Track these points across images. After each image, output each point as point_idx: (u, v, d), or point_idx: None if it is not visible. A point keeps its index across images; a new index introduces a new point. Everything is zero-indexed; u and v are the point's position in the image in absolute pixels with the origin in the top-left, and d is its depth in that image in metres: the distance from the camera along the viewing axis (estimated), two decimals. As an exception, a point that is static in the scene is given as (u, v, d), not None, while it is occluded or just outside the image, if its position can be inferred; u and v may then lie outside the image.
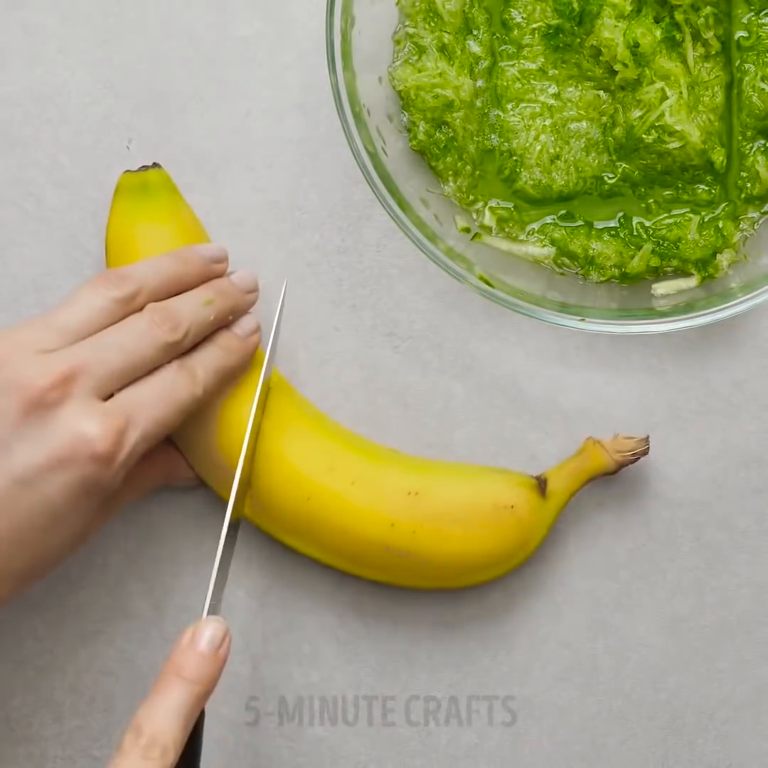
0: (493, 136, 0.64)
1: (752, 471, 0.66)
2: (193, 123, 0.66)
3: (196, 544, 0.65)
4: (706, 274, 0.63)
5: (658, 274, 0.64)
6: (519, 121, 0.64)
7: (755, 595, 0.66)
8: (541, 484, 0.62)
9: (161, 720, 0.52)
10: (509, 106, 0.64)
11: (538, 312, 0.61)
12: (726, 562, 0.66)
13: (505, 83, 0.63)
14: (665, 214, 0.64)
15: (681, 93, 0.62)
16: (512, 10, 0.63)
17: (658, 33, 0.61)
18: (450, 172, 0.64)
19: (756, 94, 0.63)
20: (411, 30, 0.63)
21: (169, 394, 0.57)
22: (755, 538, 0.66)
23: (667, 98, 0.61)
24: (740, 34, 0.63)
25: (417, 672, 0.66)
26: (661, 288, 0.64)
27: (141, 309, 0.58)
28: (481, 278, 0.61)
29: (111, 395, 0.55)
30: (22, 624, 0.65)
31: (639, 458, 0.63)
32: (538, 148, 0.63)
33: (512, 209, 0.64)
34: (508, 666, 0.66)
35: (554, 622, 0.66)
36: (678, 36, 0.62)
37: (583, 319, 0.61)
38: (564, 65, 0.63)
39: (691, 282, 0.64)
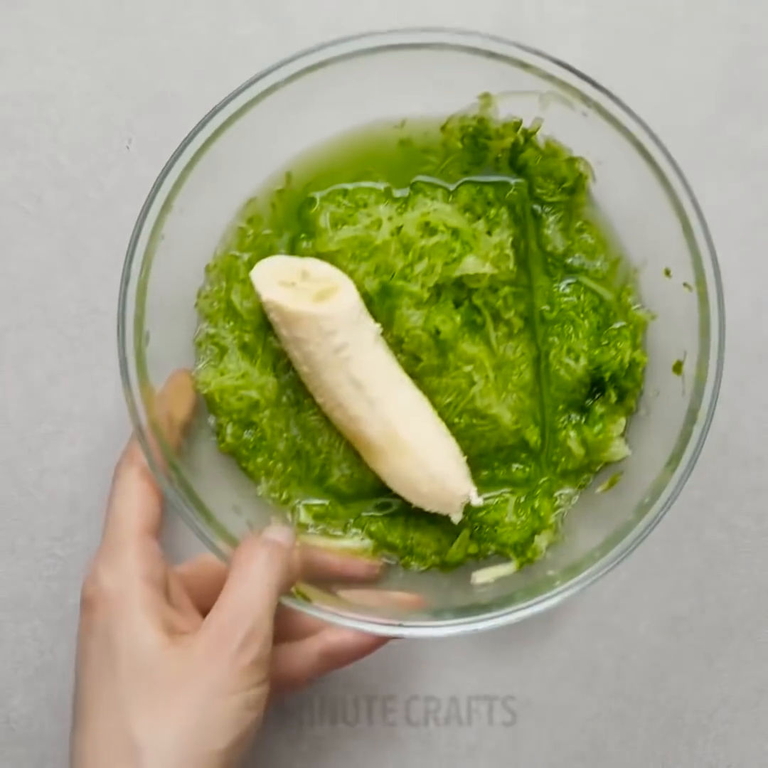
0: (296, 435, 0.62)
1: (752, 471, 0.66)
2: (193, 123, 0.66)
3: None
4: (525, 558, 0.61)
5: (477, 558, 0.62)
6: (319, 421, 0.61)
7: (755, 595, 0.66)
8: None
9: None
10: (307, 403, 0.61)
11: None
12: (726, 562, 0.66)
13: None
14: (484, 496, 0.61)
15: (487, 376, 0.60)
16: None
17: (458, 318, 0.59)
18: (262, 472, 0.62)
19: (562, 368, 0.61)
20: (211, 330, 0.61)
21: None
22: (755, 538, 0.66)
23: (474, 383, 0.59)
24: (544, 307, 0.61)
25: (417, 672, 0.66)
26: (480, 576, 0.61)
27: None
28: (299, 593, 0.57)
29: None
30: (22, 624, 0.65)
31: None
32: (344, 443, 0.61)
33: (328, 505, 0.62)
34: (508, 666, 0.66)
35: (554, 622, 0.66)
36: (478, 319, 0.60)
37: (400, 625, 0.57)
38: None
39: (510, 568, 0.61)
